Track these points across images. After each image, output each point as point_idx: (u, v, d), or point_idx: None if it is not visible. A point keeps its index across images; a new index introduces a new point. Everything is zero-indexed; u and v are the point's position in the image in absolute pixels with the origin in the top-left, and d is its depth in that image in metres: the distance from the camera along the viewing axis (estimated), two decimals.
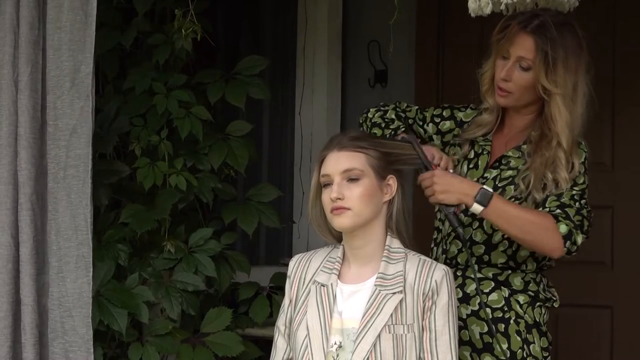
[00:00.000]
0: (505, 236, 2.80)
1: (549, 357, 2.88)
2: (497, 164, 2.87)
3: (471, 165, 2.91)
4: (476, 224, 2.85)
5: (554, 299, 2.93)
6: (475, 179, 2.86)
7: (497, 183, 2.84)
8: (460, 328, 2.79)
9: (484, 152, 2.90)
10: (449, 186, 2.71)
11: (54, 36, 3.33)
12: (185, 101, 3.94)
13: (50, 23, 3.34)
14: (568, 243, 2.71)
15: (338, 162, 2.64)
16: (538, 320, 2.85)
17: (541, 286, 2.88)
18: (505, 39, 2.75)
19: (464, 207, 2.75)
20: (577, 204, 2.76)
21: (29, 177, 3.27)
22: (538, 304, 2.86)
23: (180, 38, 3.89)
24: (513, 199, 2.80)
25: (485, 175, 2.87)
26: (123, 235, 3.82)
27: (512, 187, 2.81)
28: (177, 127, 3.91)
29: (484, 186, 2.74)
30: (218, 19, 4.87)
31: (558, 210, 2.72)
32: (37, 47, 3.31)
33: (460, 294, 2.84)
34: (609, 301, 4.04)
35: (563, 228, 2.70)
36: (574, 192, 2.77)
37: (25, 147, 3.27)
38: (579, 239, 2.74)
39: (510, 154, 2.86)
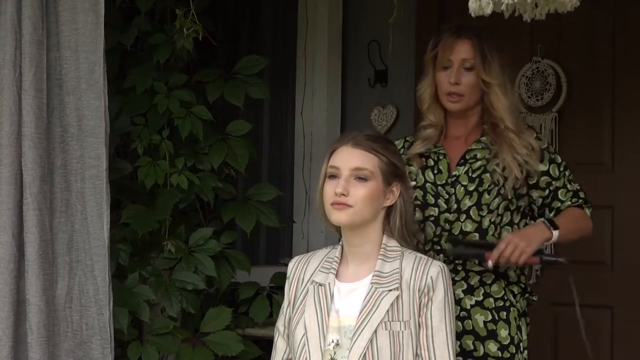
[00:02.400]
0: (492, 220, 3.02)
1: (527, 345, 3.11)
2: (463, 160, 3.06)
3: (435, 171, 3.08)
4: (463, 216, 3.01)
5: (534, 293, 3.16)
6: (444, 181, 3.04)
7: (471, 175, 3.02)
8: (464, 318, 2.97)
9: (441, 157, 3.09)
10: (527, 238, 2.92)
11: (71, 37, 3.35)
12: (186, 101, 3.94)
13: (66, 24, 3.35)
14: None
15: (350, 157, 2.65)
16: (525, 310, 3.08)
17: (529, 280, 3.12)
18: (443, 51, 3.03)
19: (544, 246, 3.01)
20: (575, 183, 3.10)
21: (34, 177, 3.28)
22: (526, 295, 3.10)
23: (181, 38, 3.89)
24: (492, 186, 3.00)
25: (454, 173, 3.05)
26: (124, 235, 3.83)
27: (487, 175, 3.01)
28: (177, 126, 3.92)
29: (541, 219, 3.02)
30: (218, 18, 4.87)
31: (575, 199, 3.07)
32: (41, 47, 3.31)
33: (465, 286, 3.01)
34: (609, 301, 4.04)
35: (587, 211, 3.10)
36: (567, 172, 3.09)
37: (30, 147, 3.28)
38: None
39: (473, 147, 3.06)
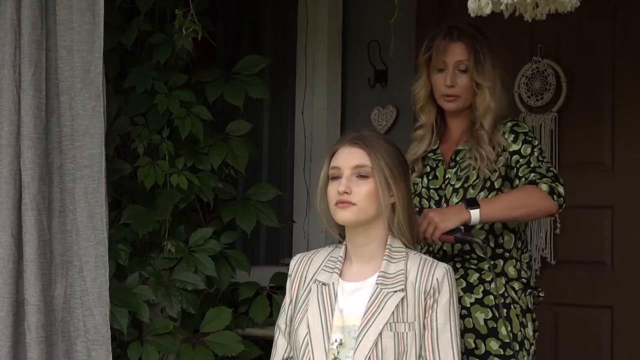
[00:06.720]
0: None
1: (535, 342, 3.07)
2: (454, 163, 3.10)
3: (430, 177, 3.13)
4: None
5: (540, 289, 3.14)
6: (439, 185, 3.09)
7: (459, 174, 3.07)
8: (464, 316, 2.97)
9: (439, 165, 3.13)
10: (443, 214, 2.89)
11: (66, 37, 3.34)
12: (186, 101, 3.94)
13: (62, 24, 3.35)
14: (555, 197, 2.93)
15: (350, 156, 2.66)
16: (530, 307, 3.06)
17: (529, 274, 3.10)
18: (438, 53, 3.06)
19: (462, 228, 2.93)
20: (543, 162, 3.00)
21: (33, 177, 3.27)
22: (529, 290, 3.07)
23: (181, 38, 3.89)
24: (478, 180, 3.03)
25: (447, 176, 3.10)
26: (124, 235, 3.83)
27: (474, 172, 3.04)
28: (177, 126, 3.91)
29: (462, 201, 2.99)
30: (218, 18, 4.87)
31: (532, 175, 2.96)
32: (40, 47, 3.31)
33: (464, 284, 3.01)
34: (609, 301, 4.03)
35: (544, 187, 2.93)
36: (535, 153, 3.01)
37: (29, 147, 3.27)
38: (561, 189, 2.95)
39: (460, 147, 3.10)
